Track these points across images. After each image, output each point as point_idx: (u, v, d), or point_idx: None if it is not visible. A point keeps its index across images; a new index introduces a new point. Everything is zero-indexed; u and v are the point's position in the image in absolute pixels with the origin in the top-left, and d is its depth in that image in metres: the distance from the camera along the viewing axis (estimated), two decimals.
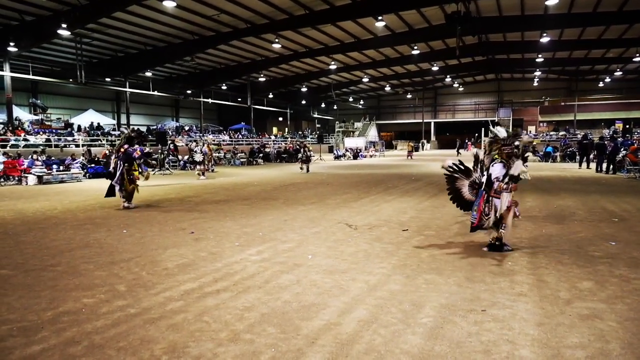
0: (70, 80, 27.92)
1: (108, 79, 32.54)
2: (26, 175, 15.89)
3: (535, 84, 47.44)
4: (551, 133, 43.28)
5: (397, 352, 3.00)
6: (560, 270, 4.78)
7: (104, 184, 12.98)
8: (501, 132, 5.82)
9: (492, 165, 5.61)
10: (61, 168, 17.54)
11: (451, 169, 6.34)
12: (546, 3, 19.79)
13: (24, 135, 21.71)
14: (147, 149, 13.27)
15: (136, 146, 10.03)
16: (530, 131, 47.25)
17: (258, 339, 3.22)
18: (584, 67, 39.47)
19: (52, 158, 18.60)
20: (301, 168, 20.14)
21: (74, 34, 21.85)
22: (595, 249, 5.68)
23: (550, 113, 46.92)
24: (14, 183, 15.83)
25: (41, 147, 19.88)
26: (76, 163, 18.62)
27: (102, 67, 28.98)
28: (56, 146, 22.01)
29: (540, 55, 33.02)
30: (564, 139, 31.20)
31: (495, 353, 2.97)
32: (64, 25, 18.39)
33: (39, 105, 27.41)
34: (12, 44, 20.59)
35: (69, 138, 24.04)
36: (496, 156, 5.64)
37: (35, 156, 17.33)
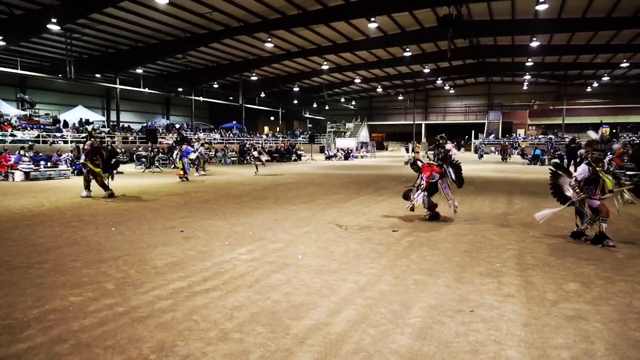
0: (60, 75, 27.63)
1: (98, 75, 32.20)
2: (13, 171, 15.68)
3: (525, 87, 48.03)
4: (539, 136, 43.82)
5: (386, 352, 3.02)
6: (547, 272, 4.85)
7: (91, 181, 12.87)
8: (592, 135, 6.28)
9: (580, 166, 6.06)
10: (49, 164, 17.32)
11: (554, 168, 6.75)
12: (536, 8, 20.02)
13: (11, 131, 21.41)
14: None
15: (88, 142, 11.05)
16: (519, 134, 47.87)
17: (247, 338, 3.21)
18: (572, 71, 40.04)
19: (40, 154, 18.36)
20: (256, 173, 18.12)
21: (64, 29, 21.62)
22: (581, 251, 5.76)
23: (539, 116, 47.54)
24: (0, 179, 15.60)
25: (29, 143, 19.62)
26: (63, 159, 18.39)
27: (92, 63, 28.68)
28: (44, 142, 21.74)
29: (530, 60, 33.41)
30: (552, 142, 31.58)
31: (482, 353, 3.01)
32: (53, 20, 18.16)
33: (27, 100, 27.07)
34: (0, 37, 20.28)
35: (58, 134, 23.75)
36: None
37: (22, 152, 17.09)
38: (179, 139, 17.04)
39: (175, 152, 15.86)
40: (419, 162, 8.14)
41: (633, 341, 3.21)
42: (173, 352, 3.00)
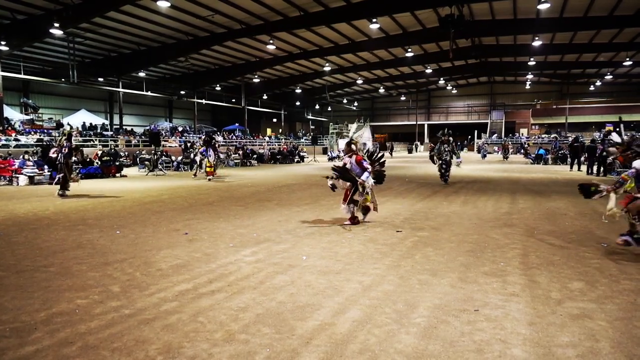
0: (63, 79, 27.78)
1: (101, 79, 32.39)
2: (17, 175, 15.74)
3: (528, 87, 47.91)
4: (543, 135, 43.70)
5: (391, 351, 3.03)
6: (552, 270, 4.84)
7: (96, 184, 12.94)
8: (615, 137, 5.98)
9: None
10: None
11: None
12: (538, 7, 20.01)
13: (15, 135, 21.53)
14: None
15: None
16: (522, 134, 47.76)
17: (253, 339, 3.23)
18: (575, 70, 39.94)
19: None
20: (195, 175, 17.60)
21: (66, 33, 21.75)
22: (585, 249, 5.75)
23: (542, 116, 47.41)
24: (4, 183, 15.67)
25: (33, 148, 19.72)
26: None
27: (94, 66, 28.85)
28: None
29: (532, 59, 33.37)
30: (555, 141, 31.52)
31: (487, 352, 3.01)
32: (56, 25, 18.29)
33: (30, 105, 27.20)
34: (3, 42, 20.42)
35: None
36: None
37: (26, 156, 17.17)
38: (207, 139, 17.63)
39: (210, 152, 16.72)
40: (354, 146, 7.66)
41: (638, 339, 3.20)
42: (179, 353, 3.02)
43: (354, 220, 7.56)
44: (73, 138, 11.76)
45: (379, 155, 8.11)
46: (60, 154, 11.35)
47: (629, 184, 5.73)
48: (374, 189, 7.61)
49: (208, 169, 16.67)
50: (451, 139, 14.45)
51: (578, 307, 3.80)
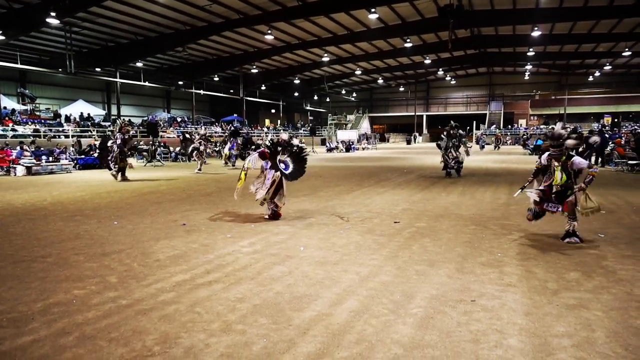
0: (60, 70, 27.53)
1: (98, 69, 32.11)
2: (15, 166, 15.70)
3: (526, 77, 47.71)
4: (541, 126, 43.66)
5: (388, 341, 3.04)
6: (549, 261, 4.86)
7: (94, 175, 12.94)
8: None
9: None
10: (50, 159, 17.34)
11: None
12: None
13: (12, 126, 21.42)
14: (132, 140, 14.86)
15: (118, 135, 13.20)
16: (521, 124, 47.72)
17: (250, 329, 3.24)
18: (574, 61, 39.75)
19: (42, 148, 18.38)
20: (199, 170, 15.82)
21: (63, 23, 21.51)
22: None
23: (541, 106, 47.31)
24: (2, 174, 15.64)
25: (30, 138, 19.63)
26: (64, 154, 18.38)
27: (92, 57, 28.58)
28: (45, 136, 21.75)
29: (531, 49, 33.18)
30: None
31: (484, 342, 3.02)
32: (53, 14, 18.08)
33: (27, 95, 27.03)
34: None
35: (60, 129, 23.76)
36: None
37: (24, 147, 17.11)
38: (231, 131, 20.42)
39: (228, 144, 19.05)
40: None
41: (634, 329, 3.22)
42: (176, 343, 3.02)
43: (273, 215, 7.28)
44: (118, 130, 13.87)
45: (296, 148, 7.50)
46: (115, 144, 12.92)
47: (561, 179, 5.68)
48: (283, 187, 7.23)
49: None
50: (461, 131, 13.93)
51: (574, 297, 3.81)
